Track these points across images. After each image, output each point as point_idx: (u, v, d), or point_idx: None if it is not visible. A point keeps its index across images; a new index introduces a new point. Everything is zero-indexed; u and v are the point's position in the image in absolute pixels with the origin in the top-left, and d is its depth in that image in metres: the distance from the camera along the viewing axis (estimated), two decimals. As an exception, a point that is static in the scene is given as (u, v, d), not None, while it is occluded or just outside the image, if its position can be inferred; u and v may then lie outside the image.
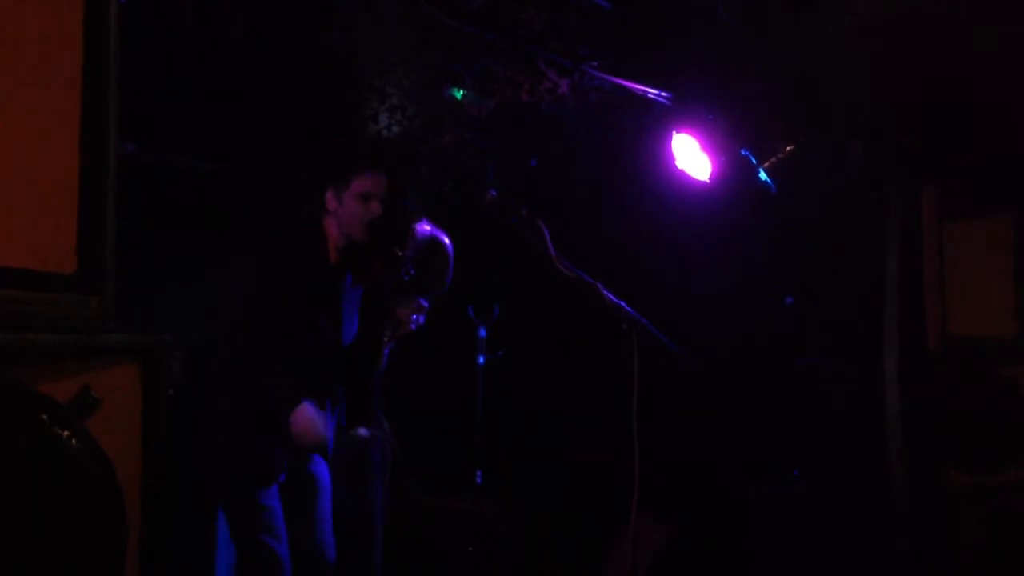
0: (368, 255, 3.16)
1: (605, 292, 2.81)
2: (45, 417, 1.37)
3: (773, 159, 3.81)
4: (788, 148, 3.80)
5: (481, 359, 4.37)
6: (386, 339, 3.14)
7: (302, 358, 3.06)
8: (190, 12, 3.31)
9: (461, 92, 4.12)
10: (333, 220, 3.14)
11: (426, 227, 3.29)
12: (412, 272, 3.14)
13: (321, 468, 3.23)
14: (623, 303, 2.81)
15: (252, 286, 3.07)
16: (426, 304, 3.24)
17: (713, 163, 3.86)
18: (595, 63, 3.74)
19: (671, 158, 3.93)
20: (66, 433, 1.39)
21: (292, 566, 3.05)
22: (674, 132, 3.90)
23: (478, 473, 4.29)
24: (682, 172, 3.93)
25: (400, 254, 3.10)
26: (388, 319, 3.16)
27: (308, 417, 3.00)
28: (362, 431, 4.14)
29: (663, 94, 3.89)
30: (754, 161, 3.83)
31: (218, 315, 3.24)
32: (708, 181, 3.90)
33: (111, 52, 1.50)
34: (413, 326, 3.21)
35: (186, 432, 3.08)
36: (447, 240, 3.34)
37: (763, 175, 3.83)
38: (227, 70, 3.82)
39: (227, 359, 3.05)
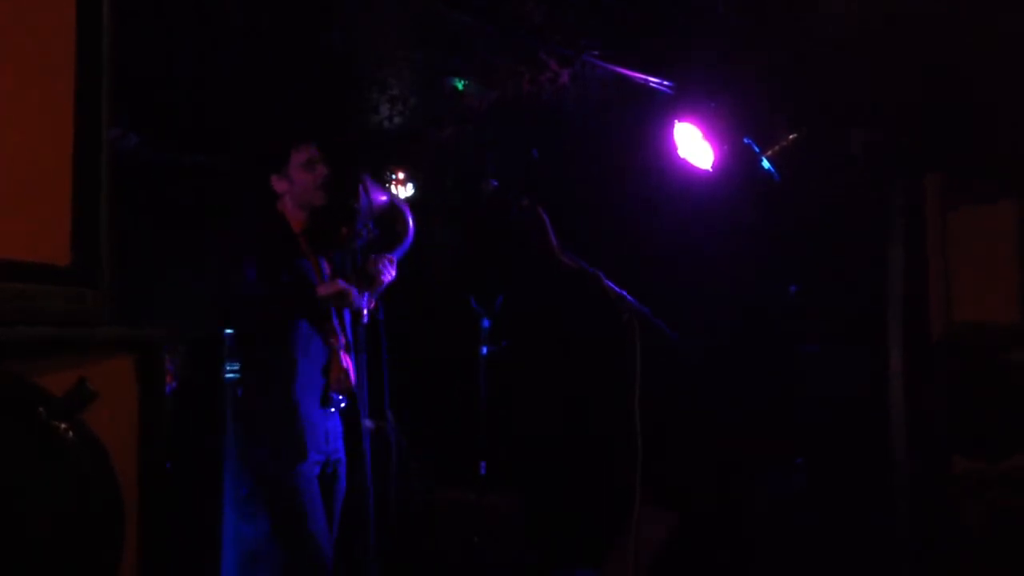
0: (330, 218, 3.32)
1: (607, 282, 2.80)
2: (42, 410, 1.36)
3: (776, 148, 3.80)
4: (791, 137, 3.79)
5: (484, 350, 4.36)
6: (362, 290, 3.30)
7: (304, 340, 3.17)
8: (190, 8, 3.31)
9: (462, 83, 4.11)
10: (288, 200, 3.29)
11: (381, 196, 3.44)
12: (374, 230, 3.35)
13: (342, 467, 3.29)
14: (625, 293, 2.80)
15: (243, 275, 3.12)
16: (394, 256, 3.39)
17: (715, 152, 3.84)
18: (596, 52, 3.72)
19: (673, 147, 3.91)
20: (63, 426, 1.38)
21: None
22: (676, 121, 3.88)
23: (482, 464, 4.29)
24: (684, 161, 3.92)
25: (356, 206, 3.28)
26: (361, 278, 3.32)
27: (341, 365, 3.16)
28: (367, 423, 4.15)
29: (665, 83, 3.87)
30: (757, 150, 3.82)
31: (221, 310, 3.35)
32: (710, 170, 3.88)
33: (104, 43, 1.49)
34: (386, 278, 3.35)
35: (198, 428, 3.14)
36: (403, 203, 3.52)
37: (766, 164, 3.82)
38: (227, 66, 3.82)
39: (250, 353, 3.17)
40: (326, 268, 3.36)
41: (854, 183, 3.68)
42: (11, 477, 1.33)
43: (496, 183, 2.99)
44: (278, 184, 3.29)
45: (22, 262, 1.37)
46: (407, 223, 3.48)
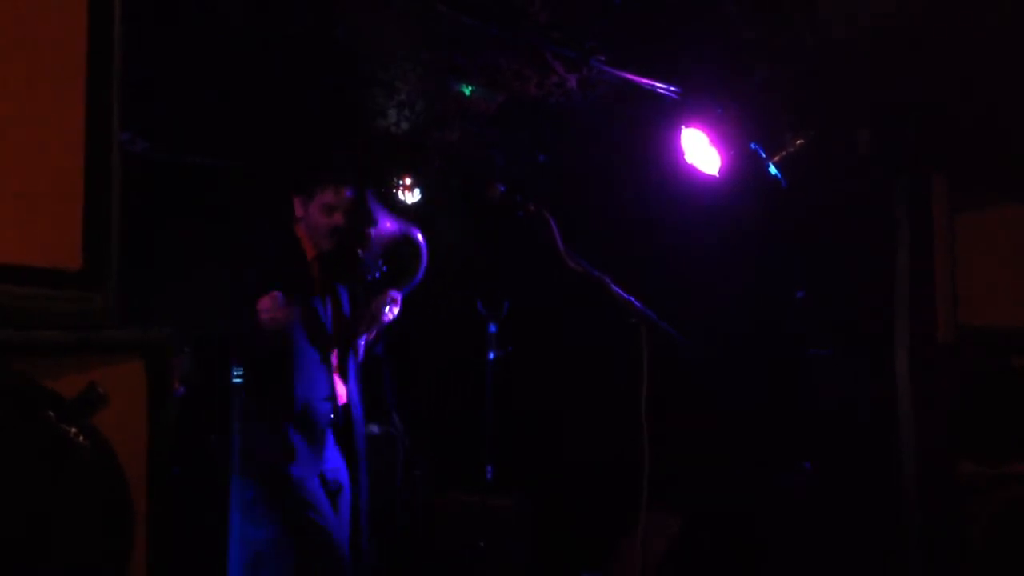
0: (336, 261, 3.35)
1: (614, 287, 2.80)
2: (52, 414, 1.37)
3: (783, 153, 3.80)
4: (798, 142, 3.78)
5: (491, 355, 4.36)
6: (361, 331, 3.36)
7: (302, 352, 3.20)
8: (194, 10, 3.33)
9: (469, 88, 4.11)
10: (303, 226, 3.30)
11: (391, 225, 3.45)
12: (383, 269, 3.41)
13: (342, 472, 3.30)
14: (632, 298, 2.81)
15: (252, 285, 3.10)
16: (398, 295, 3.41)
17: (722, 157, 3.84)
18: (603, 57, 3.73)
19: (680, 152, 3.91)
20: (73, 430, 1.39)
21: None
22: (683, 126, 3.88)
23: (488, 468, 4.30)
24: (691, 167, 3.92)
25: (362, 256, 3.33)
26: (363, 314, 3.37)
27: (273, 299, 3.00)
28: (373, 428, 4.16)
29: (671, 88, 3.87)
30: (763, 155, 3.81)
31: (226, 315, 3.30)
32: (717, 175, 3.88)
33: (115, 48, 1.50)
34: (386, 319, 3.37)
35: (204, 427, 3.17)
36: (417, 234, 3.51)
37: (773, 169, 3.81)
38: (234, 69, 3.83)
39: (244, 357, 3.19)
40: (336, 305, 3.37)
41: (860, 186, 3.68)
42: (21, 480, 1.34)
43: (503, 187, 2.98)
44: (298, 207, 3.30)
45: (33, 266, 1.39)
46: (419, 256, 3.48)
